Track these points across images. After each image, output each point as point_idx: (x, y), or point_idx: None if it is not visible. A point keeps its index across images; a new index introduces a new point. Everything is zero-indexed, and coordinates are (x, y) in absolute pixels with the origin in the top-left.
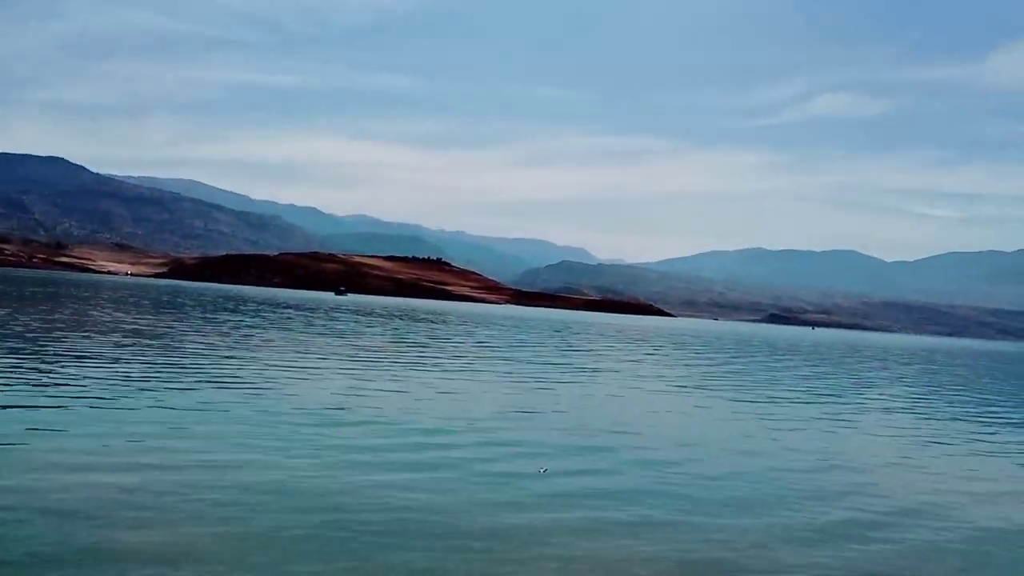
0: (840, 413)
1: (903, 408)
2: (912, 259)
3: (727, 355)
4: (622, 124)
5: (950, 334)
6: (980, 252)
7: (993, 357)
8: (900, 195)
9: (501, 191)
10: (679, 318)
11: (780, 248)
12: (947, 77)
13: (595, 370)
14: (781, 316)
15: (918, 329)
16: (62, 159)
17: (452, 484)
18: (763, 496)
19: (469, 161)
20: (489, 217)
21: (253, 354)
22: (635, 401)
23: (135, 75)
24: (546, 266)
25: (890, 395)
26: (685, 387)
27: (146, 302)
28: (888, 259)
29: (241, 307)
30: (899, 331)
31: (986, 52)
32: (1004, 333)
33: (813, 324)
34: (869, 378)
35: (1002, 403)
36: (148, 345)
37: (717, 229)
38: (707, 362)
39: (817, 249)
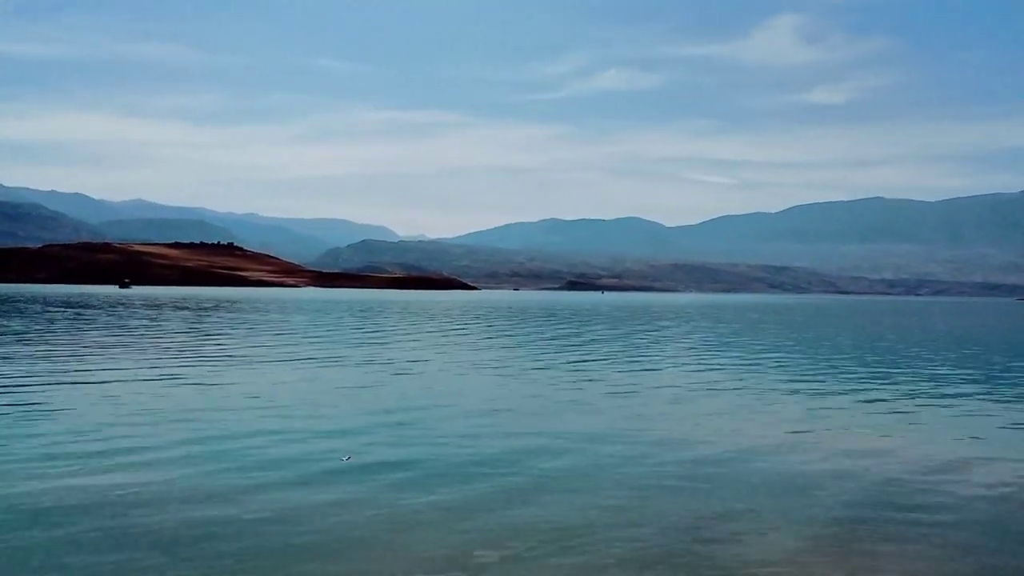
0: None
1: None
2: (692, 223)
3: (517, 324)
4: (411, 98)
5: (728, 290)
6: (749, 214)
7: (778, 311)
8: (677, 163)
9: (292, 169)
10: (482, 290)
11: (574, 218)
12: (712, 53)
13: (397, 349)
14: (578, 283)
15: (701, 287)
16: None
17: (243, 476)
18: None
19: (252, 136)
20: (281, 197)
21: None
22: (442, 377)
23: None
24: (347, 246)
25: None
26: (485, 360)
27: None
28: (669, 224)
29: (18, 308)
30: (684, 290)
31: (746, 30)
32: (772, 287)
33: (603, 288)
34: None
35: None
36: None
37: (515, 202)
38: (502, 333)
39: (607, 217)
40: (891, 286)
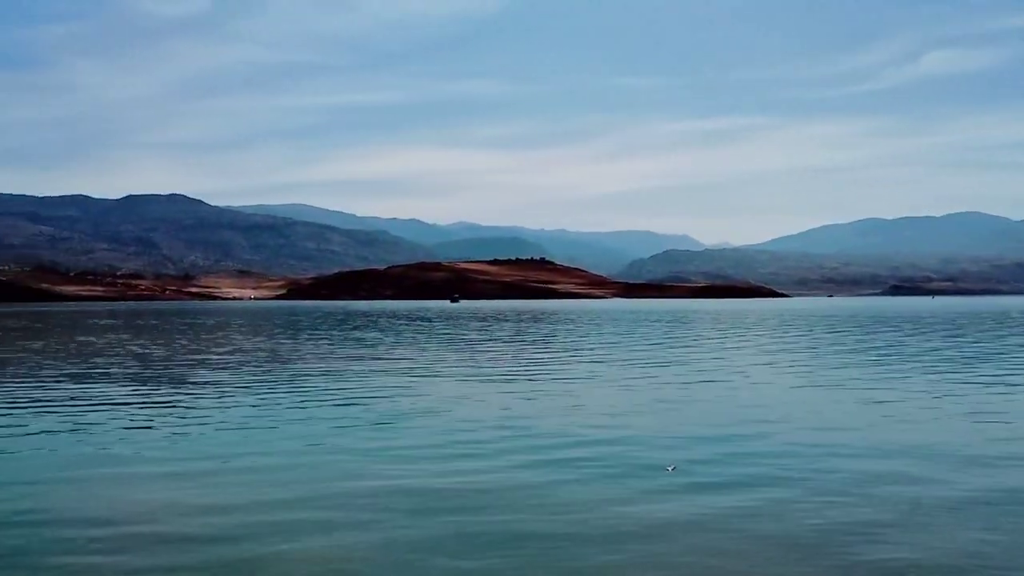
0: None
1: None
2: None
3: (841, 333)
4: (712, 105)
5: None
6: None
7: None
8: (1021, 149)
9: (597, 185)
10: (793, 298)
11: (896, 216)
12: None
13: (719, 358)
14: (903, 287)
15: None
16: (182, 195)
17: (577, 484)
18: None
19: (562, 158)
20: (588, 212)
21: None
22: (770, 391)
23: (240, 109)
24: (651, 256)
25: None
26: (815, 374)
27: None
28: (1016, 217)
29: (371, 321)
30: None
31: None
32: None
33: (933, 293)
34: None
35: None
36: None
37: (827, 203)
38: (824, 342)
39: (936, 214)
40: None
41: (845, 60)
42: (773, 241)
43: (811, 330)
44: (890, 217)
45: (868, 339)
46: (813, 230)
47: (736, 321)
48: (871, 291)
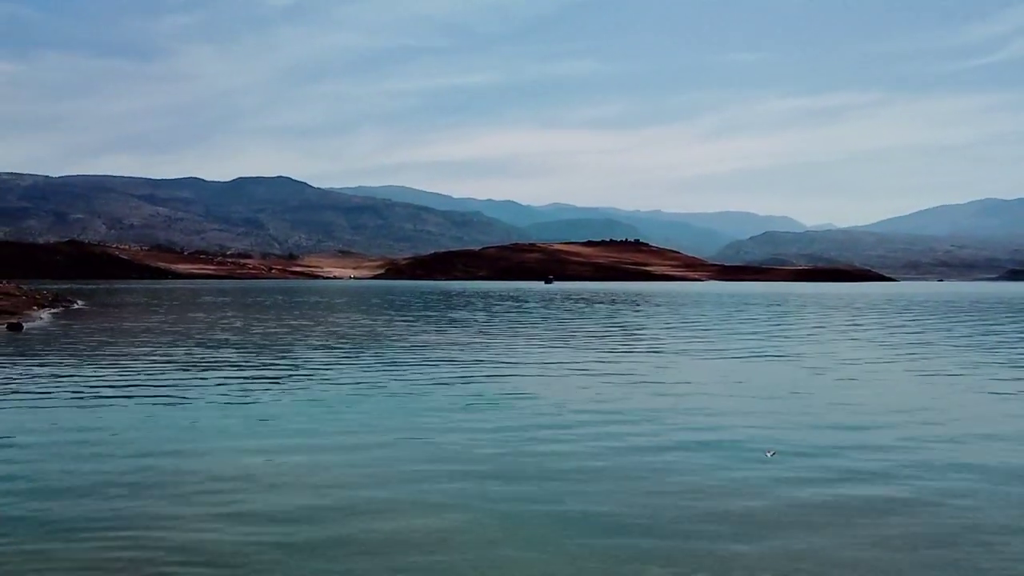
0: None
1: None
2: None
3: (957, 321)
4: (820, 82)
5: None
6: None
7: None
8: None
9: (694, 166)
10: (901, 282)
11: (1017, 196)
12: None
13: (827, 348)
14: (1022, 272)
15: None
16: (288, 178)
17: (676, 468)
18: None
19: (659, 138)
20: (685, 193)
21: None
22: (884, 383)
23: (342, 94)
24: (749, 238)
25: None
26: (932, 366)
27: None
28: None
29: (468, 302)
30: None
31: None
32: None
33: None
34: None
35: None
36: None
37: (940, 183)
38: (941, 331)
39: None
40: None
41: (968, 31)
42: (881, 223)
43: (926, 317)
44: (1010, 197)
45: (996, 329)
46: (924, 211)
47: (842, 306)
48: (987, 276)
